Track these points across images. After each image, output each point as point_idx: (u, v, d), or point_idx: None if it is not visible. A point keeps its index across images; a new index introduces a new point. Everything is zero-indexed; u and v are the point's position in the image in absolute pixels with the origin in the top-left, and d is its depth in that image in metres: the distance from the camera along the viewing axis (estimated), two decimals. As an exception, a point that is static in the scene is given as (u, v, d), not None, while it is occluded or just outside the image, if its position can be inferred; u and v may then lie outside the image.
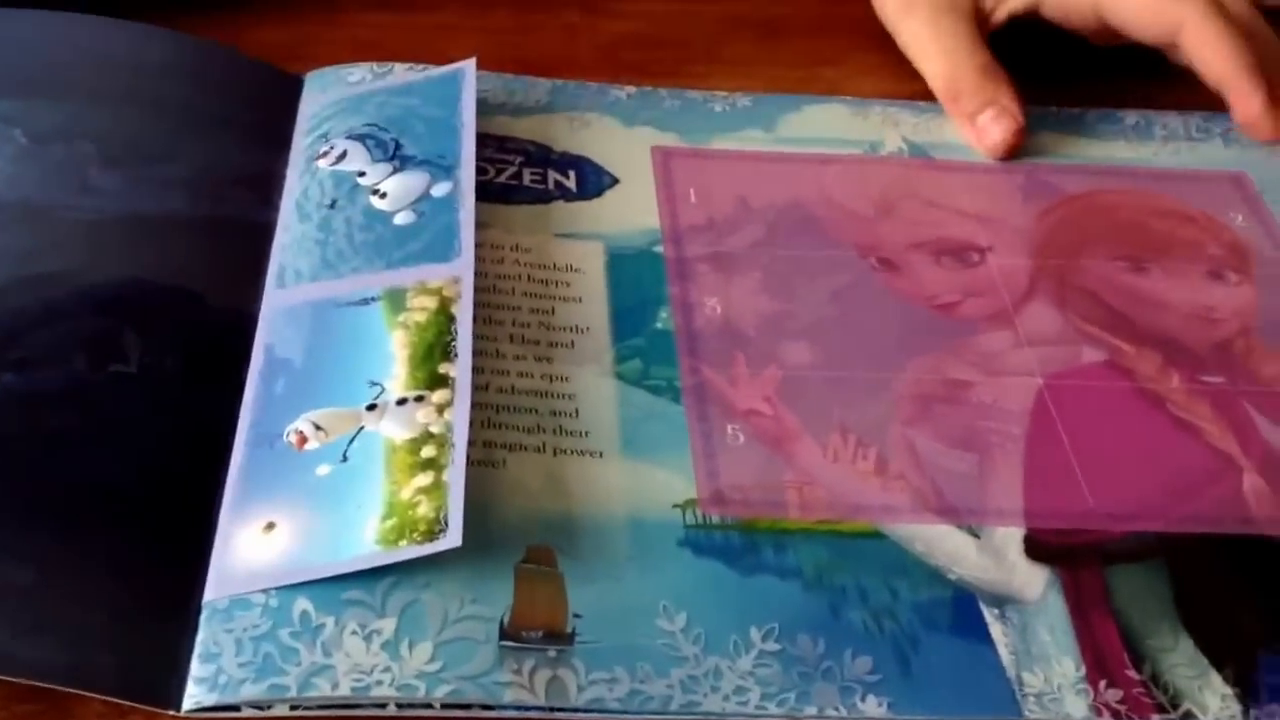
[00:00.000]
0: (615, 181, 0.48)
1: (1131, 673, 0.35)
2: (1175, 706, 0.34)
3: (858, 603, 0.36)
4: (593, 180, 0.47)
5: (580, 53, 0.54)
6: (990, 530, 0.38)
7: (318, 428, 0.37)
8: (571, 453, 0.39)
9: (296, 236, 0.43)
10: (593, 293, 0.44)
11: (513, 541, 0.36)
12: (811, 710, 0.33)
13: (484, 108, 0.48)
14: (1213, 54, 0.49)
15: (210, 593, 0.34)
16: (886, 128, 0.51)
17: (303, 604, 0.34)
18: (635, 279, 0.44)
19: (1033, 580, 0.37)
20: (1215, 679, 0.35)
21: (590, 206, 0.47)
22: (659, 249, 0.45)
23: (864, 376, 0.42)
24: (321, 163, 0.45)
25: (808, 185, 0.48)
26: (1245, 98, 0.49)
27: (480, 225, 0.43)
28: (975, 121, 0.50)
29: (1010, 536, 0.37)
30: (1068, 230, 0.47)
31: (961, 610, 0.36)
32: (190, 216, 0.44)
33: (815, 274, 0.45)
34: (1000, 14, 0.53)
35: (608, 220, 0.46)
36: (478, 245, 0.42)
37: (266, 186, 0.46)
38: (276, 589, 0.34)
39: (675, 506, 0.38)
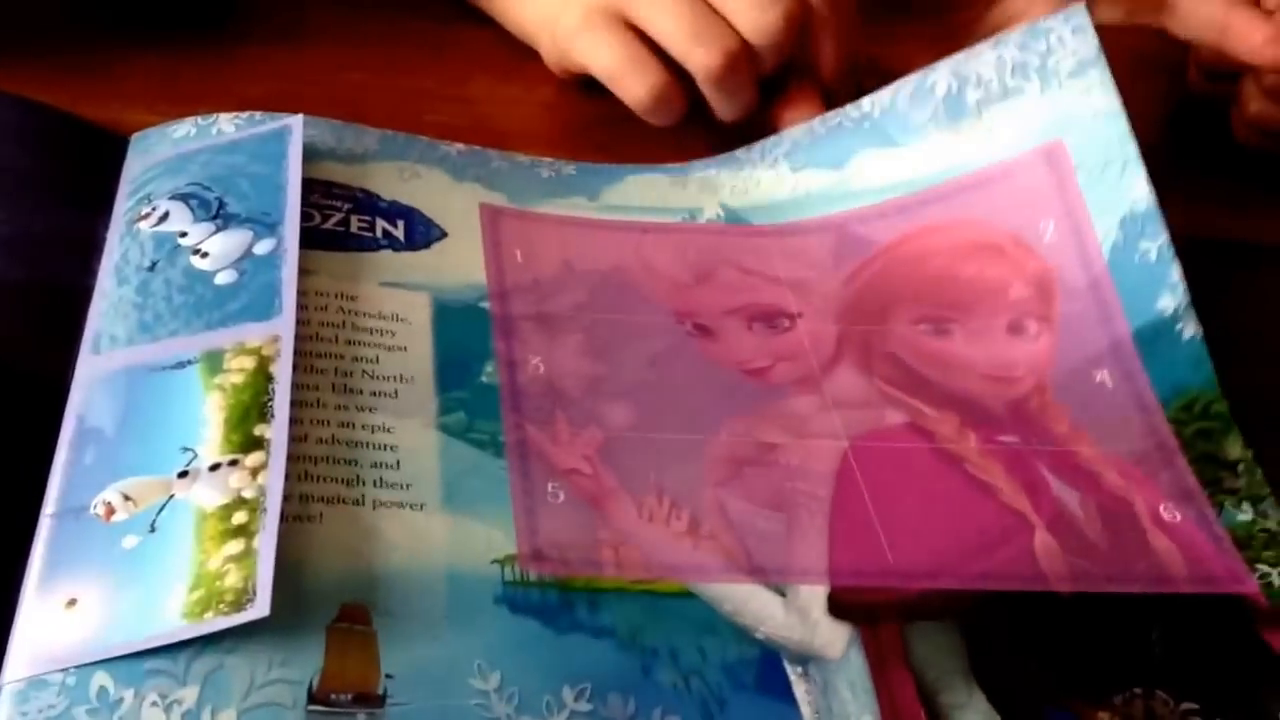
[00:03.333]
0: (443, 235, 0.48)
1: None
2: None
3: (668, 663, 0.36)
4: (421, 232, 0.48)
5: (553, 129, 0.56)
6: (796, 589, 0.39)
7: (126, 498, 0.37)
8: (391, 505, 0.39)
9: (114, 301, 0.43)
10: (418, 343, 0.44)
11: (327, 599, 0.36)
12: None
13: (312, 154, 0.48)
14: (1201, 9, 0.51)
15: (7, 674, 0.34)
16: (705, 195, 0.52)
17: (101, 679, 0.33)
18: (461, 332, 0.44)
19: (835, 638, 0.38)
20: None
21: (418, 257, 0.47)
22: (485, 304, 0.46)
23: (679, 439, 0.42)
24: (143, 224, 0.45)
25: (628, 252, 0.49)
26: (1246, 29, 0.51)
27: (305, 273, 0.43)
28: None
29: (814, 595, 0.39)
30: (874, 293, 0.49)
31: (767, 669, 0.37)
32: (2, 280, 0.43)
33: (634, 338, 0.46)
34: None
35: (435, 272, 0.46)
36: (302, 293, 0.42)
37: (87, 250, 0.45)
38: (75, 666, 0.33)
39: (494, 562, 0.38)
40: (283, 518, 0.36)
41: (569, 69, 0.55)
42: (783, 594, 0.38)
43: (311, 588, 0.36)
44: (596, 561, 0.38)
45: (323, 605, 0.36)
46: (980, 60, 0.50)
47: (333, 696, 0.34)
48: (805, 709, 0.36)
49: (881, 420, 0.44)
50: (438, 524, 0.38)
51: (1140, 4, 0.52)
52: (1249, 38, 0.51)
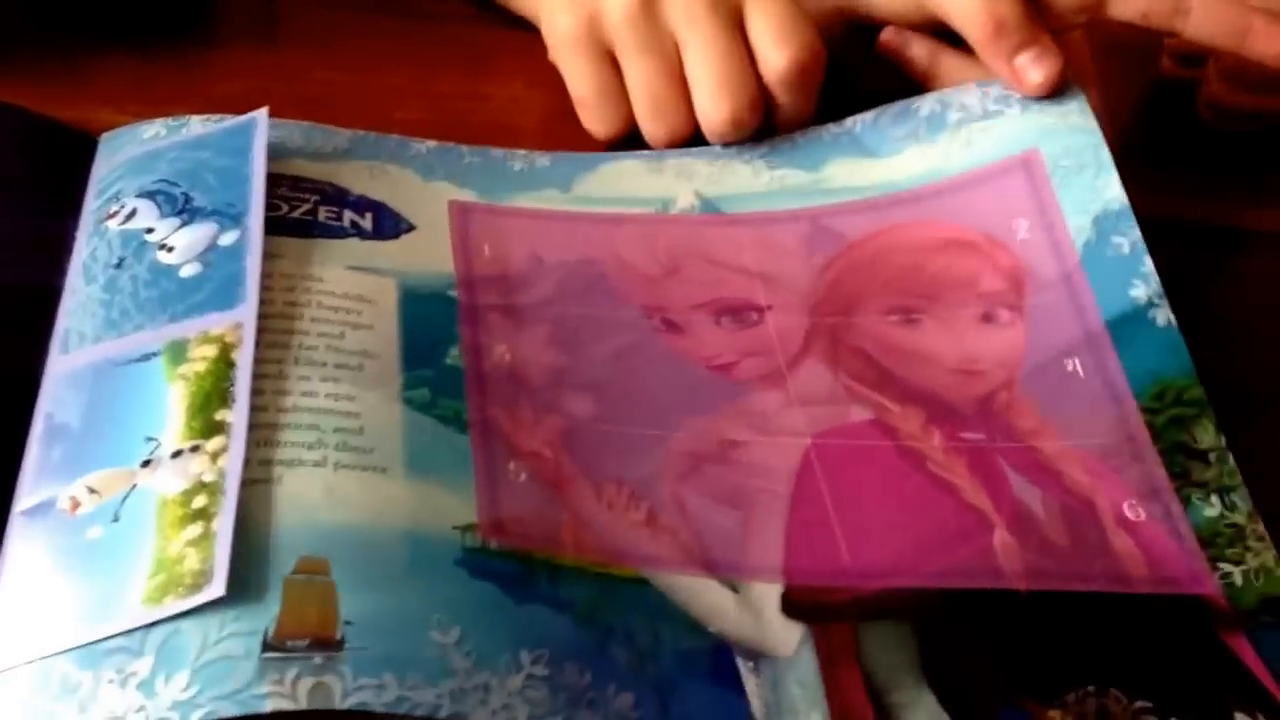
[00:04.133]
0: (412, 228, 0.48)
1: None
2: None
3: (624, 642, 0.36)
4: (389, 224, 0.48)
5: (521, 122, 0.56)
6: (750, 586, 0.39)
7: (91, 491, 0.37)
8: (354, 468, 0.39)
9: (82, 299, 0.43)
10: (384, 322, 0.44)
11: (285, 555, 0.36)
12: None
13: (281, 153, 0.48)
14: (1220, 12, 0.50)
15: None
16: (680, 182, 0.51)
17: (64, 666, 0.33)
18: (427, 316, 0.44)
19: (787, 636, 0.38)
20: None
21: (385, 246, 0.47)
22: (452, 292, 0.46)
23: (641, 433, 0.42)
24: (111, 223, 0.45)
25: (599, 244, 0.49)
26: (1270, 33, 0.50)
27: (271, 256, 0.43)
28: (1014, 61, 0.50)
29: (768, 592, 0.38)
30: (845, 285, 0.48)
31: (719, 660, 0.37)
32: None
33: (601, 331, 0.46)
34: None
35: (402, 260, 0.46)
36: (267, 275, 0.42)
37: (56, 251, 0.45)
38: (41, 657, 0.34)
39: (455, 528, 0.38)
40: (243, 482, 0.36)
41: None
42: (736, 590, 0.38)
43: (269, 545, 0.36)
44: (556, 540, 0.38)
45: (280, 561, 0.36)
46: (965, 92, 0.51)
47: (289, 643, 0.34)
48: (755, 702, 0.36)
49: (846, 417, 0.44)
50: (399, 488, 0.39)
51: (1155, 6, 0.52)
52: (1273, 43, 0.50)
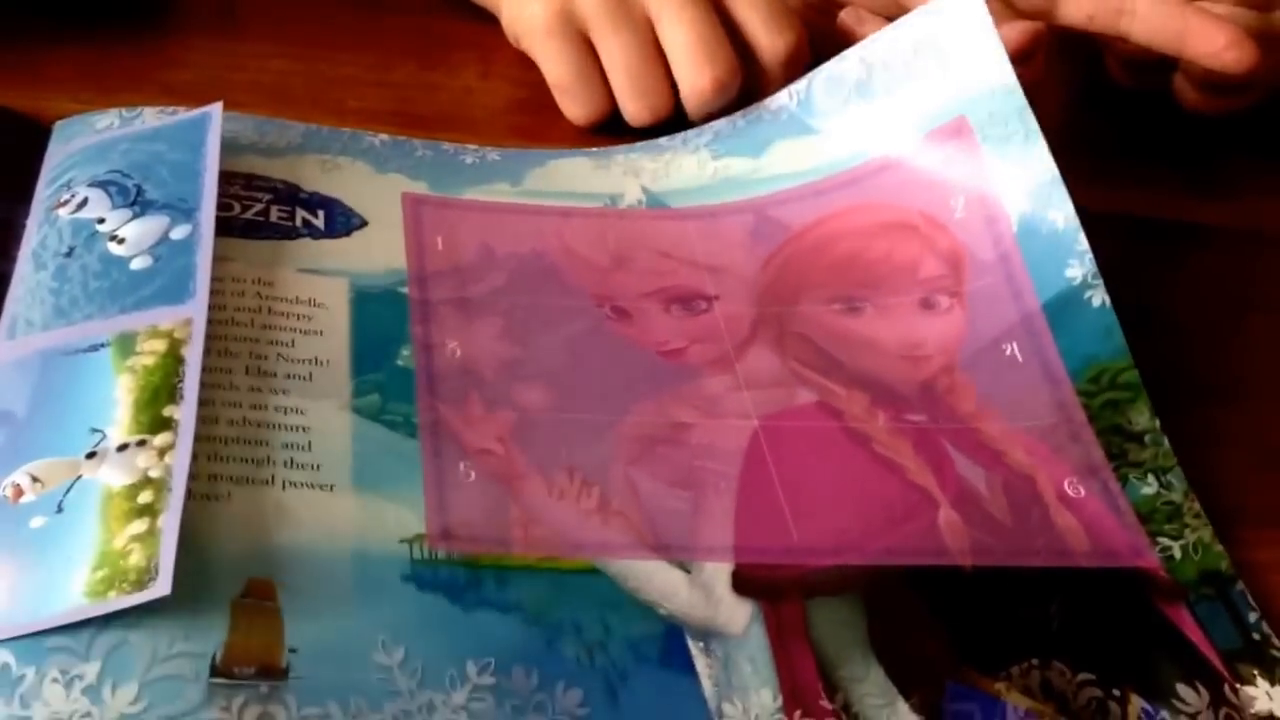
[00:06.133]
0: (364, 223, 0.48)
1: (825, 702, 0.36)
2: None
3: (573, 636, 0.37)
4: (341, 220, 0.48)
5: (474, 113, 0.56)
6: (700, 566, 0.39)
7: (34, 479, 0.37)
8: (301, 485, 0.39)
9: (31, 286, 0.43)
10: (334, 327, 0.44)
11: (232, 576, 0.36)
12: None
13: (234, 148, 0.48)
14: (1161, 14, 0.51)
15: (-88, 652, 0.34)
16: (627, 179, 0.52)
17: (3, 656, 0.33)
18: (378, 316, 0.45)
19: (738, 614, 0.38)
20: (903, 707, 0.37)
21: (336, 244, 0.47)
22: (404, 289, 0.46)
23: (592, 419, 0.43)
24: (61, 211, 0.45)
25: (549, 237, 0.49)
26: (1207, 33, 0.51)
27: (222, 259, 0.43)
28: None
29: (719, 572, 0.39)
30: (789, 276, 0.49)
31: (670, 643, 0.37)
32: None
33: (552, 321, 0.46)
34: None
35: (353, 259, 0.46)
36: (218, 279, 0.42)
37: (5, 237, 0.45)
38: None
39: (403, 541, 0.38)
40: (190, 496, 0.36)
41: (518, 47, 0.56)
42: (687, 570, 0.39)
43: (217, 564, 0.36)
44: (505, 540, 0.39)
45: (228, 581, 0.36)
46: (886, 44, 0.52)
47: (236, 670, 0.34)
48: (706, 683, 0.36)
49: (792, 400, 0.45)
50: (347, 504, 0.39)
51: (1102, 8, 0.53)
52: (1210, 41, 0.51)
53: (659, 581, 0.38)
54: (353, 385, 0.42)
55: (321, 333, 0.43)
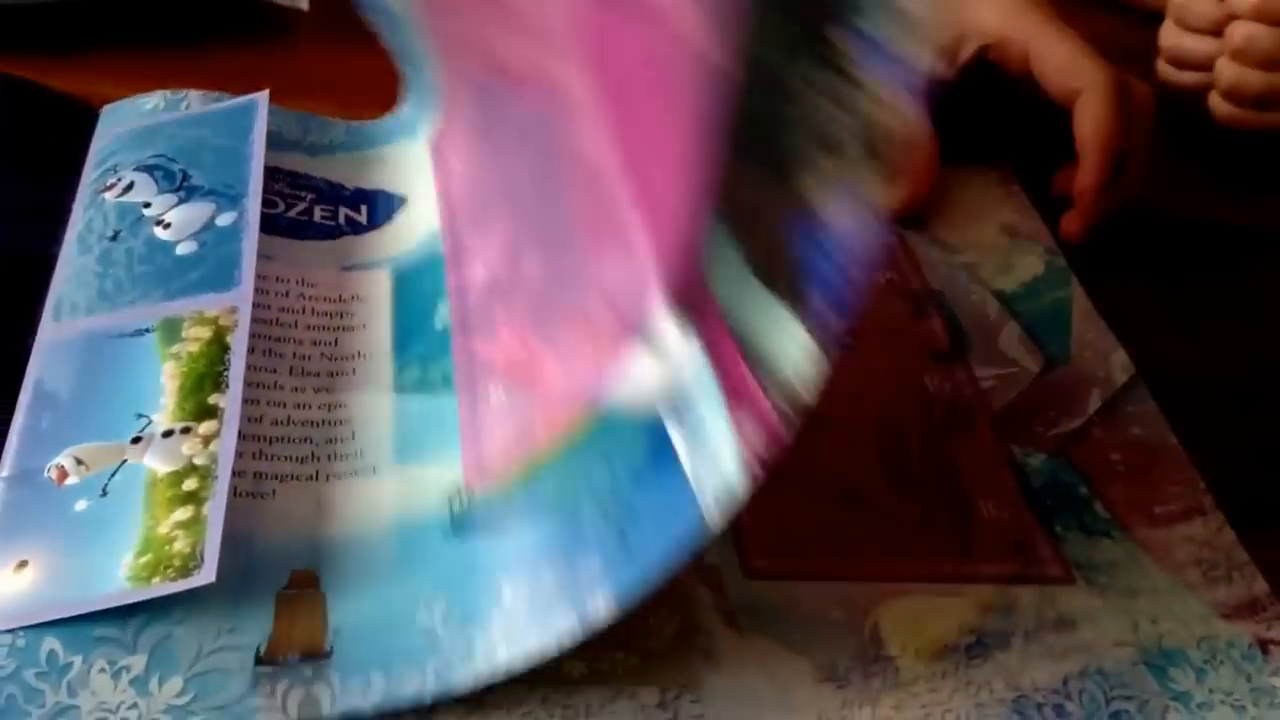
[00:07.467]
0: (404, 201, 0.48)
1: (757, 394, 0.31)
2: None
3: (589, 502, 0.35)
4: (384, 209, 0.48)
5: None
6: (656, 327, 0.35)
7: (79, 462, 0.37)
8: (345, 475, 0.39)
9: (76, 269, 0.43)
10: (377, 317, 0.44)
11: (276, 569, 0.36)
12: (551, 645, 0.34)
13: (279, 144, 0.48)
14: (1090, 127, 0.52)
15: (-42, 633, 0.34)
16: None
17: (50, 643, 0.33)
18: (417, 287, 0.45)
19: (680, 347, 0.34)
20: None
21: (378, 235, 0.47)
22: (439, 248, 0.45)
23: (568, 256, 0.41)
24: (108, 195, 0.45)
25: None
26: (1084, 173, 0.52)
27: (267, 258, 0.43)
28: None
29: (661, 317, 0.34)
30: None
31: (656, 449, 0.34)
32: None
33: (509, 145, 0.44)
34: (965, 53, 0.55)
35: (395, 243, 0.46)
36: (262, 278, 0.42)
37: (52, 219, 0.45)
38: (25, 628, 0.34)
39: (442, 497, 0.38)
40: (236, 493, 0.36)
41: None
42: (651, 343, 0.35)
43: (262, 558, 0.36)
44: (531, 436, 0.38)
45: (272, 574, 0.36)
46: None
47: (280, 658, 0.34)
48: (685, 462, 0.33)
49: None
50: (389, 482, 0.39)
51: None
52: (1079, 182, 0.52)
53: (645, 381, 0.34)
54: (394, 368, 0.42)
55: (365, 326, 0.43)
